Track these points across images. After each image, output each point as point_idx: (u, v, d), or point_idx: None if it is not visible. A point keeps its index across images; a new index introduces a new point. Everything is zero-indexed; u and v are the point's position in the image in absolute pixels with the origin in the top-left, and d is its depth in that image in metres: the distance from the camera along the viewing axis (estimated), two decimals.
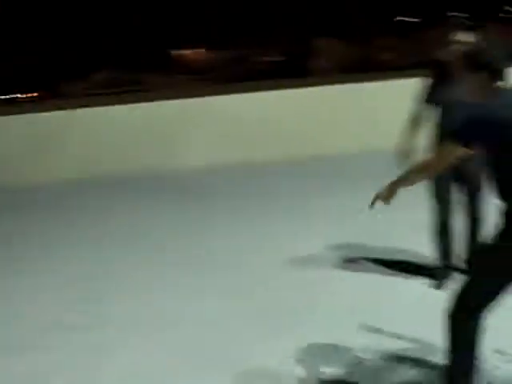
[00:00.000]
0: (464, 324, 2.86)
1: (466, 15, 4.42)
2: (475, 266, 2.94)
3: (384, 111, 9.91)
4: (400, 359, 3.50)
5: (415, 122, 4.51)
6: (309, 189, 8.07)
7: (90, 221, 7.57)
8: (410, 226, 5.57)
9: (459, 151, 2.63)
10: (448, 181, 4.35)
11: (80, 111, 11.57)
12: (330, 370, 3.44)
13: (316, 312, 4.28)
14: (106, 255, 6.04)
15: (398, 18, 45.33)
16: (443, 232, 4.54)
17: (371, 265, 5.08)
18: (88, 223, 7.47)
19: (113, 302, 4.79)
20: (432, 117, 4.37)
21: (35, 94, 46.53)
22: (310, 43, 45.61)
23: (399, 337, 3.73)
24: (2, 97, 43.04)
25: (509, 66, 2.75)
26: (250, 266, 5.31)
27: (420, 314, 4.00)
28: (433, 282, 4.55)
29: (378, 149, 8.35)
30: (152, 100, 12.38)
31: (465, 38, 4.01)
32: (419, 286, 4.55)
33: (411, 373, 3.36)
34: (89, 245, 6.49)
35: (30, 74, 44.63)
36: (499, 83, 2.72)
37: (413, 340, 3.68)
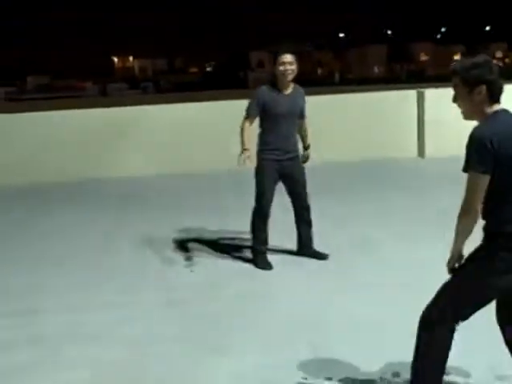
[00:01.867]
0: (440, 335, 2.88)
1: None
2: (457, 279, 2.94)
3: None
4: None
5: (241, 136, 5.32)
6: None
7: (16, 232, 7.26)
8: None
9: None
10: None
11: (10, 116, 11.17)
12: None
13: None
14: (38, 270, 5.79)
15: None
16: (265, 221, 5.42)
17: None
18: (14, 235, 7.16)
19: (45, 318, 4.57)
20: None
21: None
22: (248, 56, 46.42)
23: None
24: None
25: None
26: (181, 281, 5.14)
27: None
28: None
29: None
30: (86, 107, 12.13)
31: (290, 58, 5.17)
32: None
33: None
34: (16, 260, 6.21)
35: None
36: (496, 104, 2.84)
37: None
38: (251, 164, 5.29)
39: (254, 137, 5.38)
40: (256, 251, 5.51)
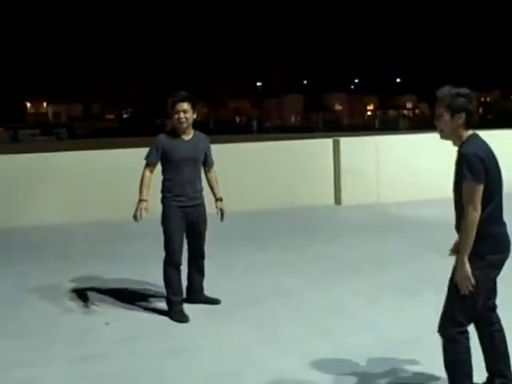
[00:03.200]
0: (461, 341, 3.31)
1: None
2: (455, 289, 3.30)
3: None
4: None
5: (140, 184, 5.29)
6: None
7: None
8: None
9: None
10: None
11: None
12: None
13: None
14: None
15: None
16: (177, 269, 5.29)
17: None
18: None
19: None
20: None
21: None
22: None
23: None
24: None
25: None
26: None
27: None
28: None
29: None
30: None
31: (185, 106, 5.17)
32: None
33: None
34: None
35: None
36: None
37: None
38: (146, 215, 5.15)
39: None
40: (171, 302, 5.33)
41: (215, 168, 5.62)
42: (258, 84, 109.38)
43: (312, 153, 11.31)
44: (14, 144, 46.37)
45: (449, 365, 3.36)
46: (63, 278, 6.73)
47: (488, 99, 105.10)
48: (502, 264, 3.34)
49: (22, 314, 5.57)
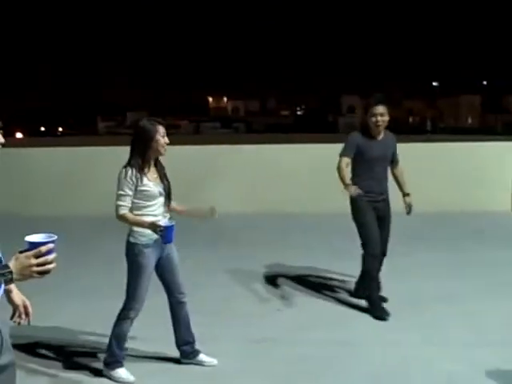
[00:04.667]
0: None
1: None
2: None
3: None
4: None
5: (341, 174, 5.20)
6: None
7: None
8: None
9: None
10: None
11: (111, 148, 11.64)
12: None
13: None
14: None
15: None
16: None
17: None
18: None
19: None
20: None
21: None
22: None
23: None
24: None
25: None
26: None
27: None
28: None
29: None
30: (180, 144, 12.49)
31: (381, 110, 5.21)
32: None
33: None
34: None
35: None
36: None
37: None
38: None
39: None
40: (373, 299, 5.41)
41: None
42: (434, 84, 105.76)
43: (490, 156, 10.85)
44: (197, 136, 48.89)
45: None
46: (241, 263, 7.13)
47: None
48: None
49: (198, 295, 6.01)
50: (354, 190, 5.06)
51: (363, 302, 5.53)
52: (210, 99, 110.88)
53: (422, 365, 4.32)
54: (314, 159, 10.60)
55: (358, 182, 5.29)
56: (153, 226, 3.87)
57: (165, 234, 3.82)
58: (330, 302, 5.78)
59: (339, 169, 5.27)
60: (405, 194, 5.64)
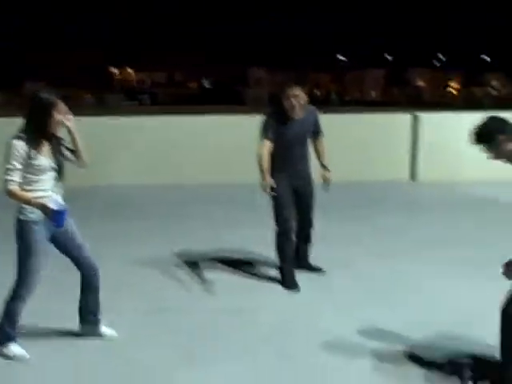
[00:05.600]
0: None
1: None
2: None
3: None
4: None
5: (261, 163, 5.16)
6: None
7: None
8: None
9: None
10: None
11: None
12: None
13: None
14: None
15: None
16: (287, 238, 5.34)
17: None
18: None
19: None
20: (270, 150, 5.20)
21: None
22: None
23: None
24: None
25: None
26: None
27: None
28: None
29: None
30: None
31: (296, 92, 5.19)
32: None
33: None
34: None
35: None
36: None
37: None
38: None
39: None
40: (284, 270, 5.49)
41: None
42: (341, 58, 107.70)
43: (391, 127, 11.25)
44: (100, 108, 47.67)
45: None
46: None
47: None
48: None
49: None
50: (268, 186, 5.12)
51: (264, 272, 5.70)
52: (116, 71, 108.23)
53: (310, 323, 4.49)
54: (218, 130, 10.62)
55: (277, 162, 5.30)
56: (43, 208, 3.72)
57: (56, 218, 3.70)
58: (229, 271, 5.87)
59: (260, 156, 5.23)
60: (323, 167, 5.62)
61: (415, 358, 3.94)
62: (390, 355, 3.98)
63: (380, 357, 3.94)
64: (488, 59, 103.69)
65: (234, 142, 10.24)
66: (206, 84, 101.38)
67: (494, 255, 4.05)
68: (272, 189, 5.22)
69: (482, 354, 3.91)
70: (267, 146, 5.24)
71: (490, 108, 49.57)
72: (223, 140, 10.46)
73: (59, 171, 3.95)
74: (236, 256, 6.31)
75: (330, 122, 11.34)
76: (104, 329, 4.31)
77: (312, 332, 4.39)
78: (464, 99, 70.74)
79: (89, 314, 4.26)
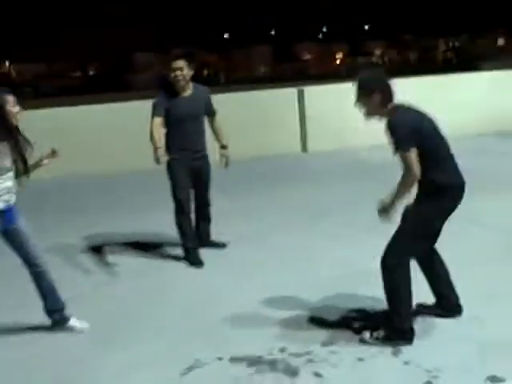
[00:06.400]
0: (402, 274, 3.58)
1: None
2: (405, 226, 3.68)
3: None
4: None
5: (152, 136, 5.23)
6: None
7: None
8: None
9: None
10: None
11: None
12: None
13: None
14: None
15: None
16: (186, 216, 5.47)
17: None
18: None
19: None
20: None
21: None
22: None
23: None
24: None
25: None
26: None
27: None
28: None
29: None
30: None
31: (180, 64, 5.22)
32: None
33: None
34: None
35: None
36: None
37: None
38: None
39: None
40: (187, 248, 5.61)
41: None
42: (226, 36, 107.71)
43: (278, 103, 11.57)
44: None
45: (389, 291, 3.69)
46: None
47: (456, 44, 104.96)
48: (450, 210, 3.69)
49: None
50: (161, 156, 5.17)
51: (170, 252, 5.88)
52: None
53: (215, 295, 4.70)
54: (101, 120, 10.56)
55: (171, 141, 5.38)
56: None
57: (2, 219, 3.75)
58: (134, 254, 5.97)
59: (150, 132, 5.27)
60: (221, 146, 5.71)
61: (316, 321, 4.17)
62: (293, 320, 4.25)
63: (284, 323, 4.19)
64: (368, 28, 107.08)
65: (126, 129, 10.19)
66: (92, 72, 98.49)
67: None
68: (168, 166, 5.35)
69: (372, 307, 4.23)
70: (157, 122, 5.30)
71: None
72: (115, 129, 10.38)
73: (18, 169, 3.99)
74: (140, 240, 6.40)
75: (221, 101, 11.73)
76: (74, 321, 4.29)
77: (219, 304, 4.57)
78: (347, 69, 72.79)
79: (53, 312, 4.26)
